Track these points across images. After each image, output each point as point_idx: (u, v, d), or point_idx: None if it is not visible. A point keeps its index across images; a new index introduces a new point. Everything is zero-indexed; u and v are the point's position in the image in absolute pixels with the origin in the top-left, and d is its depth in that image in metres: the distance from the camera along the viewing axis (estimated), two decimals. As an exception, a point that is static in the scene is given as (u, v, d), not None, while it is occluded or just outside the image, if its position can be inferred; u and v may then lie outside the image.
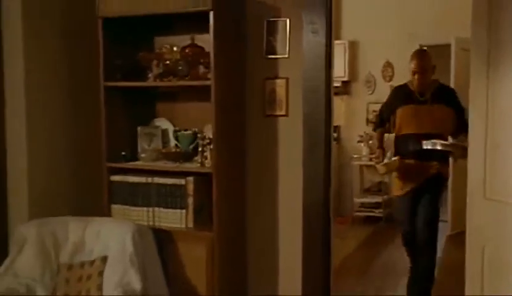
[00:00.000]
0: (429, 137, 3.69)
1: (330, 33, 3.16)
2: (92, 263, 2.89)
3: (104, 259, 2.87)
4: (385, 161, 3.99)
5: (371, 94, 7.28)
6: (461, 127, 3.73)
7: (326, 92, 3.16)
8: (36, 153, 3.21)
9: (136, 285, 2.74)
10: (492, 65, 2.66)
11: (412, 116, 3.84)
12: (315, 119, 3.17)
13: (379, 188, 7.15)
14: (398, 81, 7.17)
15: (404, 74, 7.01)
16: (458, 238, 5.96)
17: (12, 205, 3.21)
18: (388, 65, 7.27)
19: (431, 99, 3.83)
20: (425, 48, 3.70)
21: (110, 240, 2.92)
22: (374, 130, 4.40)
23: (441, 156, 3.82)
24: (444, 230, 6.39)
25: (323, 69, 3.14)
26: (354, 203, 7.15)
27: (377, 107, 4.75)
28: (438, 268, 5.22)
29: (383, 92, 7.15)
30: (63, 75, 3.40)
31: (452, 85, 6.38)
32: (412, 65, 3.81)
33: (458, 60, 6.26)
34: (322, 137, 3.17)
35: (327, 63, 3.15)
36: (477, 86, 2.73)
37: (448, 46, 6.32)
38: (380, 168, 4.03)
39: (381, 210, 6.99)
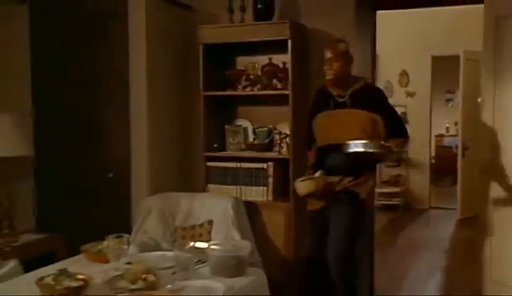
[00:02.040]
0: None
1: (375, 53, 4.16)
2: (201, 225, 3.86)
3: (210, 222, 3.85)
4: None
5: (389, 98, 8.17)
6: (392, 132, 3.24)
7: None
8: (152, 145, 4.15)
9: (238, 239, 3.72)
10: (498, 77, 3.66)
11: (330, 123, 3.23)
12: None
13: (396, 180, 8.08)
14: (413, 87, 8.17)
15: (418, 81, 8.02)
16: (466, 222, 6.99)
17: (134, 185, 4.16)
18: (404, 73, 8.20)
19: (351, 101, 3.20)
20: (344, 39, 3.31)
21: (214, 208, 3.88)
22: (309, 148, 3.50)
23: (356, 170, 3.23)
24: (453, 216, 7.41)
25: (369, 80, 4.14)
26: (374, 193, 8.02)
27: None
28: (450, 246, 6.19)
29: (400, 97, 8.10)
30: (171, 86, 4.36)
31: (461, 90, 7.35)
32: (325, 55, 3.17)
33: (466, 69, 7.20)
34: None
35: (372, 75, 4.16)
36: (487, 91, 3.74)
37: (457, 57, 7.26)
38: (302, 185, 3.18)
39: (399, 199, 7.91)
